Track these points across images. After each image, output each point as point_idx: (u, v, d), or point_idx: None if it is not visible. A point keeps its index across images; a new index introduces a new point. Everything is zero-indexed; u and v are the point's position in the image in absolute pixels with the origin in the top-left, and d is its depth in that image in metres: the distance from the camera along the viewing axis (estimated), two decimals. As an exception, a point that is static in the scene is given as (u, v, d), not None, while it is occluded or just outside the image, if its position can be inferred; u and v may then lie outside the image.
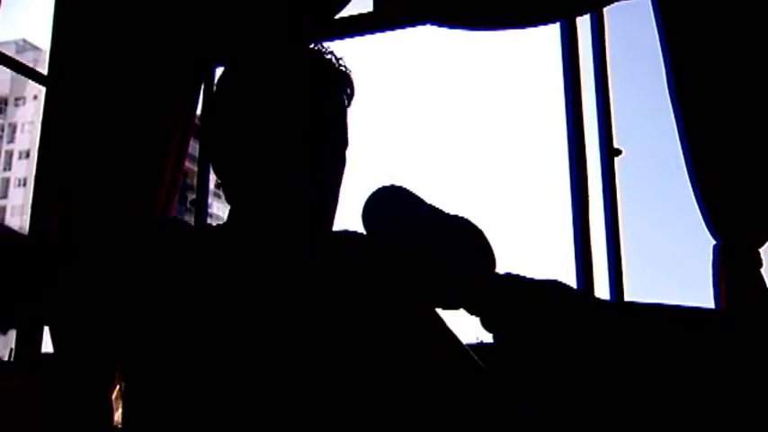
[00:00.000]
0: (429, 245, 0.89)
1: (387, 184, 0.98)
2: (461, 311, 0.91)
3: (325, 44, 0.94)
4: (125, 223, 0.91)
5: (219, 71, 2.35)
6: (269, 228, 0.88)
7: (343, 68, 0.92)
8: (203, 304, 0.81)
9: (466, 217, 0.92)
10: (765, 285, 1.63)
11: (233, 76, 0.93)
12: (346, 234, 0.95)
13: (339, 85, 0.92)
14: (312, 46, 0.92)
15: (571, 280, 1.84)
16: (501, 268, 0.91)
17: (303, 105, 0.88)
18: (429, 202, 0.95)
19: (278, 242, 0.89)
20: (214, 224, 0.95)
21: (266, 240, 0.89)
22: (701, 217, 1.68)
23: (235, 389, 0.78)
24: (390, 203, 0.95)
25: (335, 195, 0.91)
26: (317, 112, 0.88)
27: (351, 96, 0.93)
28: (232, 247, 0.88)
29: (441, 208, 0.94)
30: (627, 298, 1.81)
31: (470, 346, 1.33)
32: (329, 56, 0.92)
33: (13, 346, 2.14)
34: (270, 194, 0.87)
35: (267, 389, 0.78)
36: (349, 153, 0.93)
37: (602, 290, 1.83)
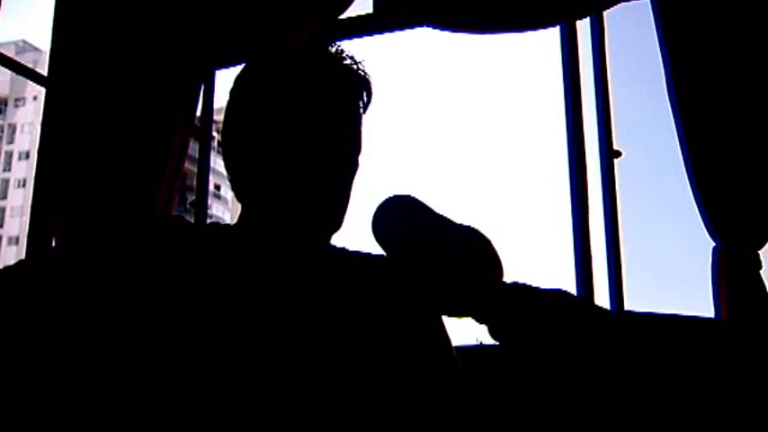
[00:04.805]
0: (437, 254, 0.89)
1: (396, 193, 0.98)
2: (468, 319, 0.91)
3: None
4: (129, 223, 0.91)
5: (220, 73, 2.36)
6: (279, 231, 0.88)
7: (362, 73, 0.91)
8: (208, 304, 0.81)
9: (473, 226, 0.93)
10: (765, 287, 1.63)
11: (251, 77, 0.92)
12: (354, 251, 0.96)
13: (357, 90, 0.91)
14: (332, 48, 0.91)
15: (571, 281, 1.84)
16: (508, 277, 0.91)
17: (320, 109, 0.87)
18: (437, 212, 0.95)
19: (287, 246, 0.89)
20: (225, 222, 0.95)
21: (276, 243, 0.89)
22: (700, 218, 1.68)
23: (236, 391, 0.77)
24: (399, 213, 0.95)
25: (346, 199, 0.91)
26: (333, 117, 0.88)
27: (368, 102, 0.93)
28: (241, 249, 0.88)
29: (448, 217, 0.94)
30: (626, 299, 1.81)
31: (470, 348, 1.34)
32: (349, 60, 0.91)
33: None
34: (282, 196, 0.87)
35: (267, 391, 0.78)
36: (361, 158, 0.93)
37: (601, 290, 1.83)
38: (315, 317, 0.84)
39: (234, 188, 0.93)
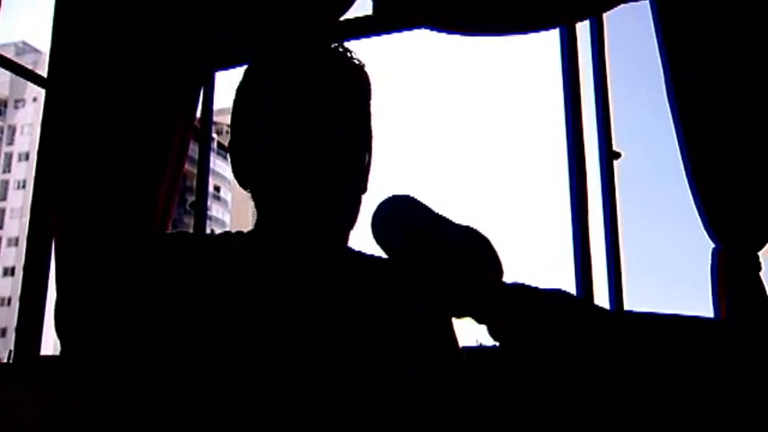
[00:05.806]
0: (436, 253, 0.89)
1: (395, 193, 0.98)
2: (468, 319, 0.91)
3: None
4: (136, 238, 0.92)
5: (220, 75, 2.36)
6: (296, 234, 0.87)
7: (357, 62, 0.91)
8: (222, 310, 0.80)
9: (473, 226, 0.93)
10: (765, 289, 1.63)
11: (253, 81, 0.92)
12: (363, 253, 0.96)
13: (361, 84, 0.91)
14: (332, 45, 0.91)
15: (571, 281, 1.84)
16: (507, 277, 0.91)
17: (327, 107, 0.87)
18: (436, 211, 0.95)
19: (305, 250, 0.88)
20: (244, 230, 0.94)
21: (293, 248, 0.88)
22: (700, 220, 1.68)
23: (250, 397, 0.77)
24: (398, 213, 0.95)
25: (360, 193, 0.91)
26: (341, 113, 0.87)
27: (370, 93, 0.92)
28: (257, 255, 0.88)
29: (448, 217, 0.94)
30: (626, 300, 1.82)
31: (470, 348, 1.34)
32: (342, 50, 0.90)
33: (13, 348, 2.14)
34: (295, 197, 0.86)
35: (281, 398, 0.77)
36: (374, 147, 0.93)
37: (601, 292, 1.83)
38: (332, 322, 0.83)
39: (253, 195, 0.91)
